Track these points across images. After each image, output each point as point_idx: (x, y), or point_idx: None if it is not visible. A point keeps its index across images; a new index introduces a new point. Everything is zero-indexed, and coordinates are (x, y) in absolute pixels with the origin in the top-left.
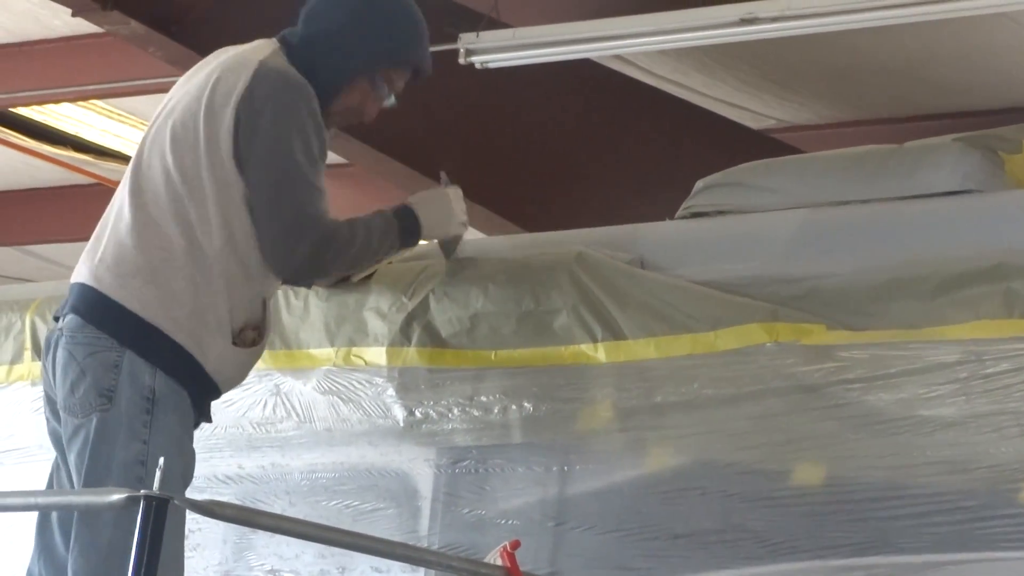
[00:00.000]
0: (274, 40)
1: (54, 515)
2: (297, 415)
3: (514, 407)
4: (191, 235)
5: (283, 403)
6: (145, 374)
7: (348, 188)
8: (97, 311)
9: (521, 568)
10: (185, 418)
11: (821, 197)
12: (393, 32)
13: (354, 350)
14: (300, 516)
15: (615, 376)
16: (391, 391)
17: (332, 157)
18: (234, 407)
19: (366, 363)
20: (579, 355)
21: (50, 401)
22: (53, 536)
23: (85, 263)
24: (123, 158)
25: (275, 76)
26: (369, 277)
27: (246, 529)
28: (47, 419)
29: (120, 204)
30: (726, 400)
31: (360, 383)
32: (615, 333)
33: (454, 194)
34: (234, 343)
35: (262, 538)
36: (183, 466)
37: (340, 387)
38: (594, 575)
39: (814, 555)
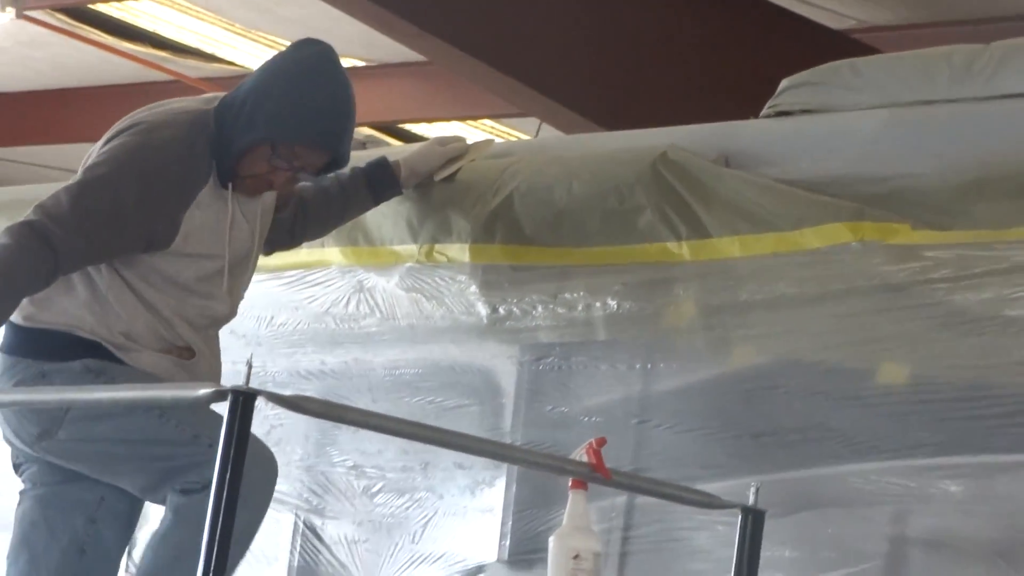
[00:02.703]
0: (214, 98)
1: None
2: (380, 311)
3: (598, 304)
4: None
5: (367, 299)
6: (74, 367)
7: (426, 86)
8: (10, 340)
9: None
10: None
11: (906, 96)
12: (300, 107)
13: (437, 247)
14: (383, 412)
15: (699, 274)
16: (474, 288)
17: (409, 55)
18: (317, 303)
19: (449, 260)
20: (663, 253)
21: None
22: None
23: None
24: (201, 55)
25: (145, 125)
26: (453, 175)
27: (328, 424)
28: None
29: None
30: (810, 299)
31: (443, 280)
32: (699, 231)
33: None
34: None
35: (345, 433)
36: None
37: (423, 284)
38: (676, 473)
39: (897, 455)
